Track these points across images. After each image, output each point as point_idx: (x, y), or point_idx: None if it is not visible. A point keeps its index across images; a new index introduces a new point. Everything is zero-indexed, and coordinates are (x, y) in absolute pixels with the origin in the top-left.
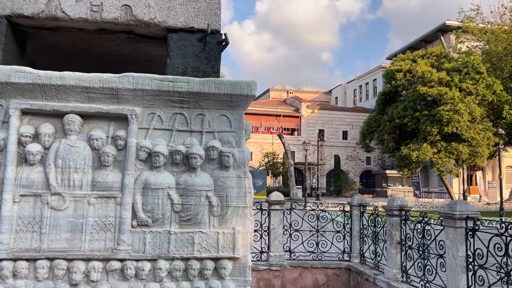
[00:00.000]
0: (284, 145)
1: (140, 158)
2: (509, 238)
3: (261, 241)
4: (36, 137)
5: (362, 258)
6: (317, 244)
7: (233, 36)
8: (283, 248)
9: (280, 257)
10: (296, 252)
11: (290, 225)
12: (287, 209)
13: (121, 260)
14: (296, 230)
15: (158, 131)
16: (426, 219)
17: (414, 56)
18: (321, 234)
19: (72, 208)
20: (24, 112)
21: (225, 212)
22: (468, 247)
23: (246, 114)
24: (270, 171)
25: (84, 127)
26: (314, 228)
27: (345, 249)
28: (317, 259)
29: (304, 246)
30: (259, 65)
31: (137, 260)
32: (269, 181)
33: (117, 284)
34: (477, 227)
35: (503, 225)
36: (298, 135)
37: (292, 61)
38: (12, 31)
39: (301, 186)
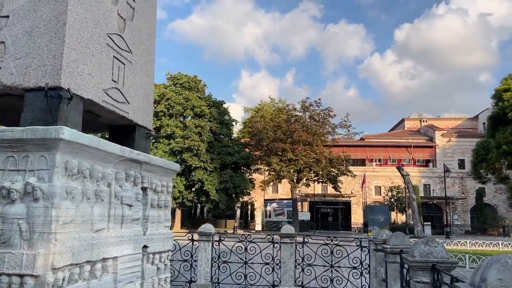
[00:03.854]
0: (404, 178)
1: None
2: None
3: (272, 275)
4: None
5: None
6: (332, 280)
7: (373, 67)
8: (295, 282)
9: None
10: (310, 287)
11: (303, 259)
12: (299, 243)
13: None
14: (309, 265)
15: None
16: None
17: None
18: (335, 270)
19: None
20: None
21: (32, 237)
22: None
23: (372, 146)
24: (395, 206)
25: None
26: (328, 263)
27: (363, 286)
28: None
29: (317, 281)
30: (403, 94)
31: None
32: (394, 216)
33: None
34: None
35: None
36: (433, 166)
37: (439, 86)
38: None
39: (430, 223)
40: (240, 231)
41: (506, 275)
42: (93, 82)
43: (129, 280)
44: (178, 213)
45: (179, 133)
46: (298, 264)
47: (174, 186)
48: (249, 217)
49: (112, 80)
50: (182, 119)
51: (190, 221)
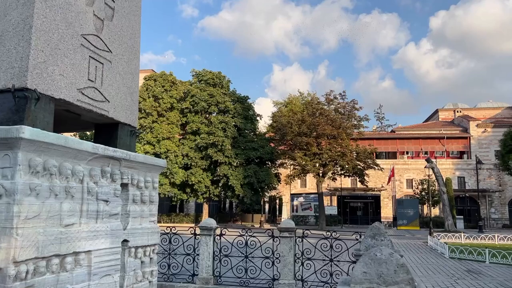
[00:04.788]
0: (433, 170)
1: None
2: None
3: (273, 268)
4: None
5: None
6: (331, 274)
7: (408, 57)
8: (295, 276)
9: (290, 285)
10: (309, 281)
11: (302, 253)
12: (299, 237)
13: None
14: (309, 259)
15: None
16: None
17: None
18: (335, 264)
19: None
20: None
21: None
22: None
23: (403, 138)
24: (426, 200)
25: None
26: (328, 257)
27: None
28: None
29: (316, 275)
30: (439, 84)
31: None
32: (426, 210)
33: None
34: None
35: None
36: (468, 158)
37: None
38: None
39: (462, 216)
40: (266, 226)
41: (371, 268)
42: (65, 82)
43: (105, 273)
44: (206, 207)
45: (204, 129)
46: (298, 258)
47: (200, 181)
48: (277, 211)
49: (89, 79)
50: (207, 116)
51: (219, 215)
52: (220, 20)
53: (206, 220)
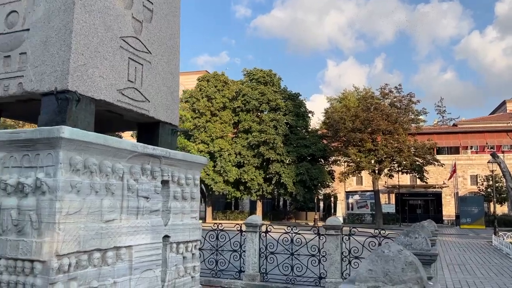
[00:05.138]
0: (499, 165)
1: (1, 188)
2: None
3: (319, 267)
4: None
5: None
6: None
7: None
8: (342, 275)
9: (337, 284)
10: None
11: (349, 251)
12: (346, 235)
13: None
14: (356, 257)
15: (14, 168)
16: None
17: None
18: None
19: None
20: None
21: (40, 227)
22: None
23: (466, 132)
24: (493, 197)
25: None
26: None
27: None
28: None
29: None
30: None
31: None
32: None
33: None
34: None
35: None
36: None
37: None
38: None
39: None
40: (320, 224)
41: (378, 265)
42: (105, 84)
43: (147, 267)
44: (259, 205)
45: (256, 127)
46: (345, 256)
47: (253, 179)
48: (332, 209)
49: (129, 80)
50: (258, 114)
51: (272, 213)
52: (272, 18)
53: (252, 217)
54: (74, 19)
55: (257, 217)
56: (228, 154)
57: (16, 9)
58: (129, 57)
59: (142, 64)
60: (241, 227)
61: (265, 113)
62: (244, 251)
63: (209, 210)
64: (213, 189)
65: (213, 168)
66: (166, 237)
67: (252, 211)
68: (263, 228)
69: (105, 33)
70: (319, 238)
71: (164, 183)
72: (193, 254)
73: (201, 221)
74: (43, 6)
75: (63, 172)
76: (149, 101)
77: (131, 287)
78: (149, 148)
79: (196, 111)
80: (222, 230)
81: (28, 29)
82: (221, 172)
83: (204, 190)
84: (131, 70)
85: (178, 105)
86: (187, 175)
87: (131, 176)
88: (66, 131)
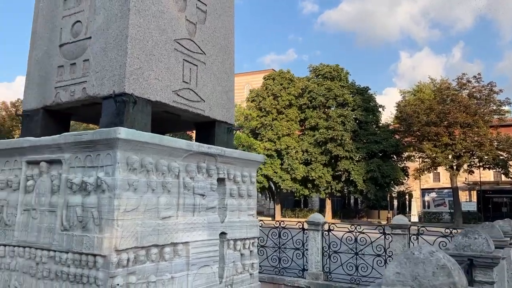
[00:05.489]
0: None
1: (68, 186)
2: None
3: (385, 267)
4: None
5: None
6: None
7: None
8: None
9: None
10: None
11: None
12: (413, 234)
13: (54, 251)
14: None
15: (79, 168)
16: None
17: None
18: None
19: (31, 217)
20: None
21: (101, 223)
22: None
23: None
24: None
25: (50, 168)
26: None
27: None
28: None
29: None
30: None
31: (60, 251)
32: None
33: (51, 266)
34: None
35: None
36: None
37: None
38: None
39: None
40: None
41: (406, 268)
42: (161, 85)
43: (204, 263)
44: (329, 203)
45: (323, 124)
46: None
47: (321, 177)
48: (407, 208)
49: (184, 81)
50: (325, 110)
51: (343, 211)
52: (340, 12)
53: (314, 215)
54: (129, 25)
55: (319, 216)
56: (295, 152)
57: (80, 19)
58: (183, 59)
59: (196, 65)
60: (303, 225)
61: (332, 109)
62: (306, 250)
63: (278, 207)
64: (281, 187)
65: (280, 166)
66: (223, 234)
67: (322, 209)
68: (326, 227)
69: (160, 36)
70: (385, 237)
71: (220, 180)
72: (251, 251)
73: (270, 218)
74: (103, 14)
75: (120, 171)
76: (204, 101)
77: (189, 283)
78: (204, 147)
79: (263, 110)
80: (284, 227)
81: (90, 37)
82: (288, 169)
83: (273, 188)
84: (186, 71)
85: (234, 104)
86: (243, 173)
87: (187, 174)
88: (123, 132)
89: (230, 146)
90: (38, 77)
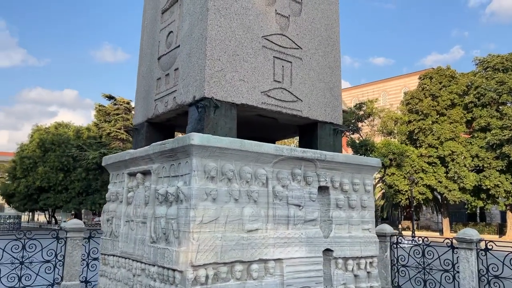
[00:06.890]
0: None
1: (156, 197)
2: None
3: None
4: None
5: None
6: None
7: None
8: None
9: None
10: None
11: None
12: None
13: (145, 263)
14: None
15: (165, 178)
16: None
17: None
18: None
19: (130, 228)
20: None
21: (179, 235)
22: None
23: None
24: None
25: (144, 179)
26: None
27: None
28: None
29: None
30: None
31: (149, 264)
32: None
33: (143, 279)
34: None
35: None
36: None
37: None
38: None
39: None
40: None
41: None
42: (247, 87)
43: (303, 284)
44: (510, 216)
45: (496, 123)
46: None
47: (497, 185)
48: None
49: (275, 80)
50: (498, 107)
51: None
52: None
53: (466, 230)
54: (208, 26)
55: (472, 231)
56: (463, 158)
57: (172, 29)
58: (274, 56)
59: (290, 62)
60: (451, 242)
61: (507, 105)
62: (457, 272)
63: (445, 221)
64: (447, 198)
65: (445, 174)
66: (327, 250)
67: (503, 223)
68: (482, 245)
69: (244, 34)
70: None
71: (322, 189)
72: (368, 272)
73: (437, 233)
74: (188, 20)
75: (197, 180)
76: (301, 100)
77: None
78: (298, 151)
79: (420, 113)
80: (428, 245)
81: (178, 46)
82: (455, 178)
83: (439, 199)
84: (277, 69)
85: (341, 101)
86: (353, 180)
87: (278, 182)
88: (196, 138)
89: (338, 149)
90: (143, 91)
